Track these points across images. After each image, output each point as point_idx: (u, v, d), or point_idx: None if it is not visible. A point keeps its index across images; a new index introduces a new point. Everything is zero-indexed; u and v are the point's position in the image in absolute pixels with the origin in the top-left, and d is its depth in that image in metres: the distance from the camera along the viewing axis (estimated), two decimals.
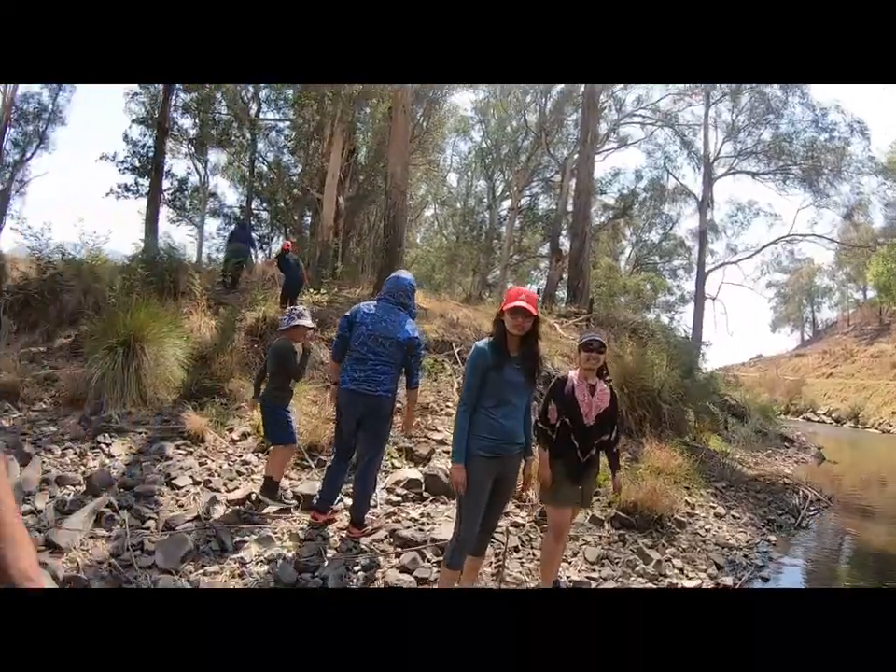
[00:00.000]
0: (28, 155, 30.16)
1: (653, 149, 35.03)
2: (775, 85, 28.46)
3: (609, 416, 4.32)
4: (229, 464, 6.15)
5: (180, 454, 6.13)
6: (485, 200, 38.52)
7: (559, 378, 4.39)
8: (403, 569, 4.49)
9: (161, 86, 21.15)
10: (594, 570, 5.12)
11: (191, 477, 5.66)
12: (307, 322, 5.41)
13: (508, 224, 34.95)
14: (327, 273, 15.23)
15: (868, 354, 44.40)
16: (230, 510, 5.17)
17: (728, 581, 5.44)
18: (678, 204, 38.37)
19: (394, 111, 13.62)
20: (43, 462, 5.63)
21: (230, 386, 7.68)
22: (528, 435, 3.96)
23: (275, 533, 4.90)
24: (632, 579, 5.09)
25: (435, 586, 4.32)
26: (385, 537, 4.99)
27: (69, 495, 5.13)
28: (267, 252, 27.06)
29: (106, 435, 6.27)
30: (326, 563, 4.52)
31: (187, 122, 26.13)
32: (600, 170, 35.89)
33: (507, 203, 36.35)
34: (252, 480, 5.86)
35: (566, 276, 21.94)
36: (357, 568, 4.49)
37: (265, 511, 5.25)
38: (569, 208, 25.14)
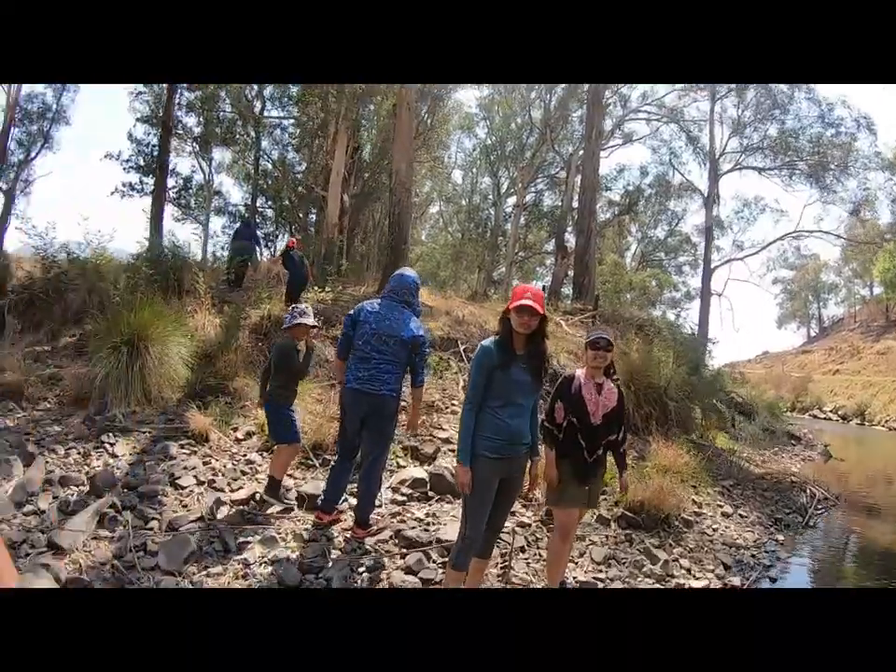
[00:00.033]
0: (33, 155, 30.25)
1: (659, 145, 35.04)
2: None
3: (617, 416, 4.27)
4: (233, 463, 6.12)
5: (184, 453, 6.11)
6: (490, 196, 38.51)
7: (566, 377, 4.34)
8: (408, 570, 4.45)
9: (164, 85, 21.14)
10: (600, 571, 5.07)
11: (195, 477, 5.63)
12: (309, 320, 5.37)
13: (513, 221, 34.91)
14: (331, 271, 15.18)
15: (874, 350, 44.23)
16: (233, 510, 5.15)
17: (736, 581, 5.39)
18: (683, 200, 38.34)
19: (398, 108, 13.57)
20: (47, 462, 5.61)
21: (234, 385, 7.66)
22: (535, 435, 3.91)
23: (279, 534, 4.86)
24: (639, 579, 5.05)
25: (440, 587, 4.29)
26: (390, 537, 4.95)
27: (72, 495, 5.10)
28: (272, 250, 27.09)
29: (110, 434, 6.25)
30: (330, 564, 4.48)
31: (191, 121, 26.26)
32: (605, 166, 35.85)
33: (512, 200, 36.33)
34: (256, 479, 5.83)
35: (571, 273, 21.85)
36: (361, 570, 4.44)
37: (269, 512, 5.23)
38: (574, 205, 25.12)
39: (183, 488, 5.43)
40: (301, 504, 5.42)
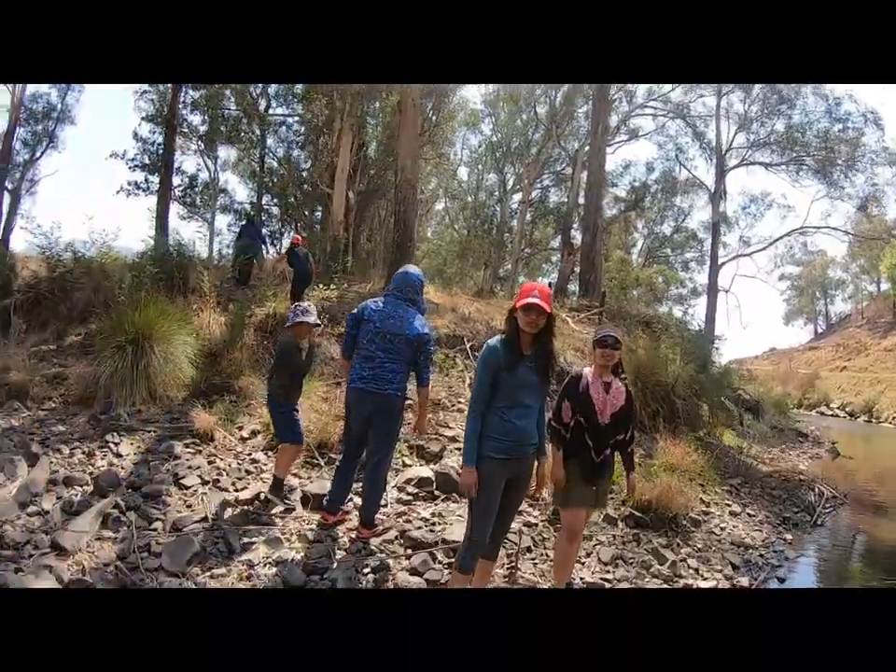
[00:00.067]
0: (38, 154, 30.30)
1: (665, 141, 34.89)
2: None
3: (625, 415, 4.20)
4: (238, 463, 6.09)
5: (189, 452, 6.09)
6: (496, 193, 38.41)
7: (573, 376, 4.28)
8: (413, 572, 4.41)
9: (169, 84, 21.14)
10: (608, 571, 5.02)
11: (200, 476, 5.61)
12: (310, 319, 5.31)
13: (519, 217, 34.83)
14: (336, 268, 15.14)
15: (882, 347, 44.00)
16: (238, 510, 5.11)
17: (744, 581, 5.33)
18: (689, 196, 38.17)
19: (403, 105, 13.51)
20: (51, 462, 5.60)
21: (239, 383, 7.64)
22: (542, 435, 3.85)
23: (284, 534, 4.83)
24: (646, 580, 4.99)
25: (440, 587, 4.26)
26: (396, 537, 4.91)
27: (76, 495, 5.08)
28: (278, 247, 27.05)
29: (115, 434, 6.24)
30: (335, 565, 4.44)
31: (196, 119, 26.17)
32: (611, 162, 35.55)
33: (518, 197, 36.28)
34: (261, 479, 5.79)
35: (577, 270, 21.77)
36: (366, 571, 4.40)
37: (273, 512, 5.19)
38: (581, 201, 24.99)
39: (187, 488, 5.41)
40: (306, 504, 5.38)
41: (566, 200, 31.19)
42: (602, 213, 21.87)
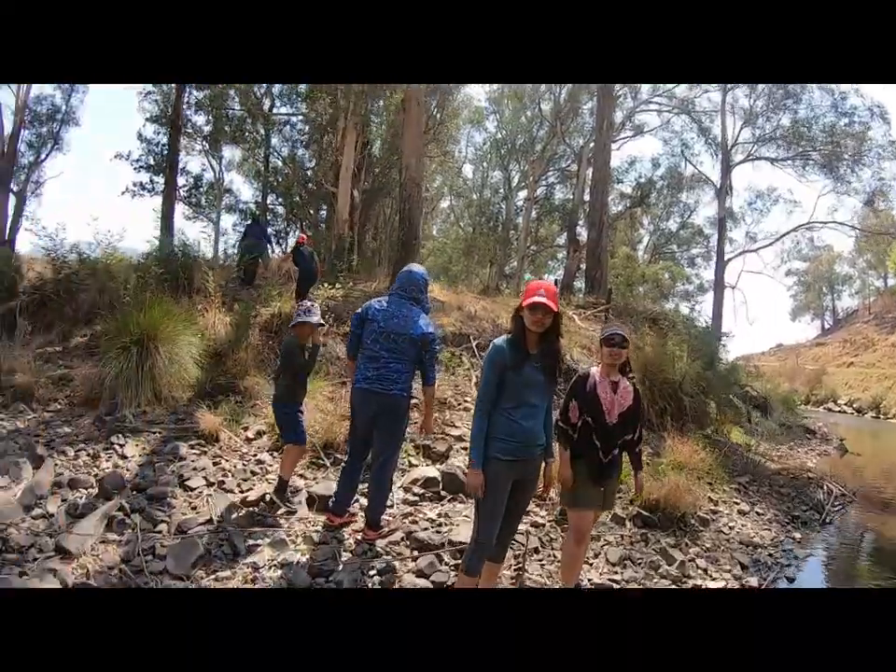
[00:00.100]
0: (43, 157, 30.36)
1: (670, 137, 34.76)
2: None
3: (633, 415, 4.14)
4: (243, 464, 6.07)
5: (194, 453, 6.07)
6: (501, 190, 38.37)
7: (580, 375, 4.23)
8: (420, 574, 4.37)
9: (173, 84, 21.17)
10: (616, 573, 4.97)
11: (205, 478, 5.58)
12: (312, 319, 5.26)
13: (524, 214, 34.79)
14: (342, 267, 15.12)
15: (889, 343, 43.88)
16: (243, 511, 5.09)
17: (753, 581, 5.28)
18: (695, 192, 38.05)
19: (407, 103, 13.49)
20: (56, 464, 5.59)
21: (245, 384, 7.62)
22: (549, 436, 3.81)
23: (289, 536, 4.80)
24: (655, 581, 4.95)
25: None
26: (402, 539, 4.88)
27: (81, 498, 5.07)
28: (283, 246, 27.07)
29: (120, 436, 6.22)
30: (340, 567, 4.41)
31: (200, 119, 26.26)
32: (617, 158, 35.53)
33: (523, 194, 36.22)
34: (266, 480, 5.77)
35: (583, 266, 21.70)
36: (372, 573, 4.36)
37: (279, 513, 5.17)
38: (586, 197, 24.96)
39: (192, 489, 5.38)
40: (312, 505, 5.35)
41: (571, 197, 31.14)
42: (608, 209, 21.78)
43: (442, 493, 5.81)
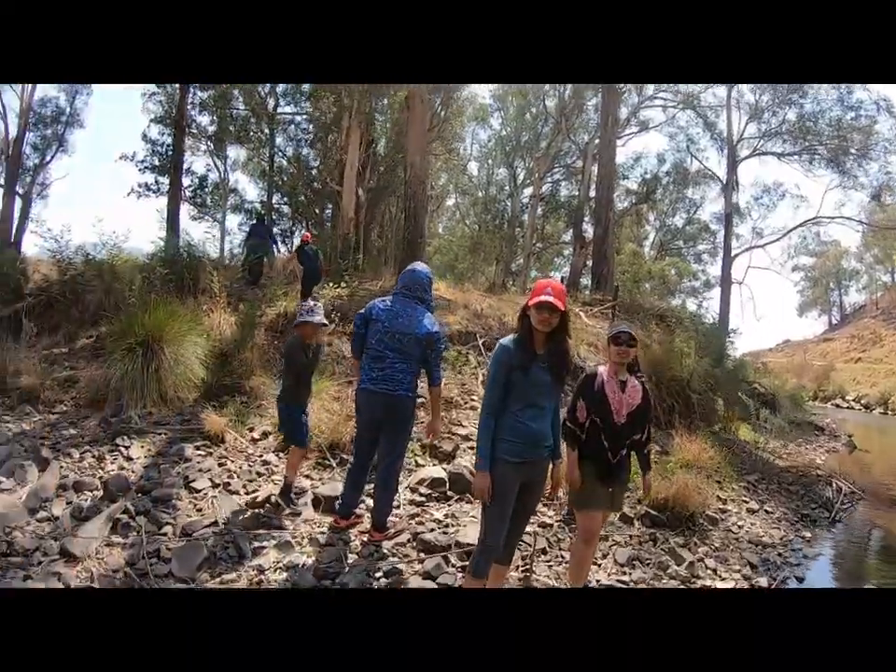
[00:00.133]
0: (48, 159, 30.46)
1: (675, 132, 34.50)
2: None
3: (642, 414, 4.08)
4: (249, 465, 6.05)
5: (199, 455, 6.05)
6: (507, 188, 38.31)
7: (588, 374, 4.17)
8: (427, 576, 4.33)
9: (177, 85, 21.21)
10: (624, 573, 4.93)
11: (210, 479, 5.56)
12: (314, 318, 5.20)
13: (530, 212, 34.70)
14: (346, 266, 15.09)
15: None
16: (248, 513, 5.06)
17: (763, 581, 5.23)
18: (701, 188, 37.78)
19: (411, 101, 13.45)
20: (61, 467, 5.57)
21: (250, 384, 7.61)
22: (557, 437, 3.77)
23: (295, 538, 4.77)
24: (664, 581, 4.90)
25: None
26: (408, 540, 4.84)
27: (86, 500, 5.05)
28: (289, 246, 27.08)
29: (125, 437, 6.21)
30: (346, 569, 4.38)
31: (204, 120, 26.31)
32: (622, 154, 35.41)
33: (528, 191, 36.10)
34: (272, 481, 5.74)
35: (589, 263, 21.65)
36: (378, 575, 4.33)
37: (285, 514, 5.14)
38: (592, 194, 24.86)
39: (198, 491, 5.36)
40: (318, 506, 5.32)
41: (577, 193, 31.05)
42: (613, 206, 21.74)
43: (449, 493, 5.77)
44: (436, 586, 4.23)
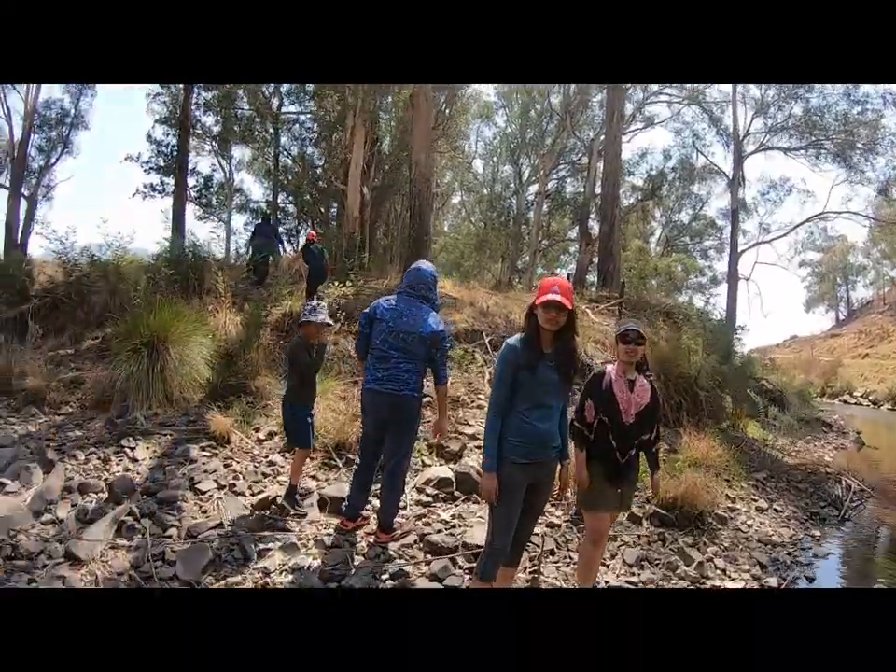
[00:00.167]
0: (53, 160, 30.53)
1: (681, 128, 34.46)
2: None
3: (651, 414, 4.02)
4: (254, 465, 6.02)
5: (205, 455, 6.02)
6: (512, 185, 38.31)
7: (596, 373, 4.11)
8: (433, 578, 4.29)
9: (181, 85, 21.24)
10: (633, 574, 4.88)
11: (216, 481, 5.53)
12: (318, 318, 5.14)
13: (535, 209, 34.71)
14: (352, 264, 15.07)
15: None
16: (253, 515, 5.03)
17: (773, 581, 5.17)
18: (707, 183, 37.79)
19: (416, 99, 13.43)
20: (66, 469, 5.57)
21: (256, 384, 7.58)
22: (565, 437, 3.72)
23: (300, 540, 4.73)
24: (673, 582, 4.85)
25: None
26: (415, 542, 4.79)
27: (91, 503, 5.03)
28: (294, 245, 27.11)
29: (131, 438, 6.19)
30: (352, 571, 4.34)
31: (209, 120, 26.39)
32: (627, 151, 35.20)
33: (534, 188, 36.12)
34: (278, 482, 5.71)
35: (596, 260, 21.59)
36: (384, 577, 4.29)
37: (290, 515, 5.11)
38: (597, 191, 24.82)
39: (203, 493, 5.33)
40: (324, 507, 5.29)
41: (582, 190, 31.03)
42: (619, 202, 21.64)
43: (456, 493, 5.73)
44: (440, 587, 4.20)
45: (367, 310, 4.80)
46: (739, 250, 32.94)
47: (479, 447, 6.27)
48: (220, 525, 4.82)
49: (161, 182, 24.36)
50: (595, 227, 25.28)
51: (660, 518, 5.84)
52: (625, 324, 4.11)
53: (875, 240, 51.93)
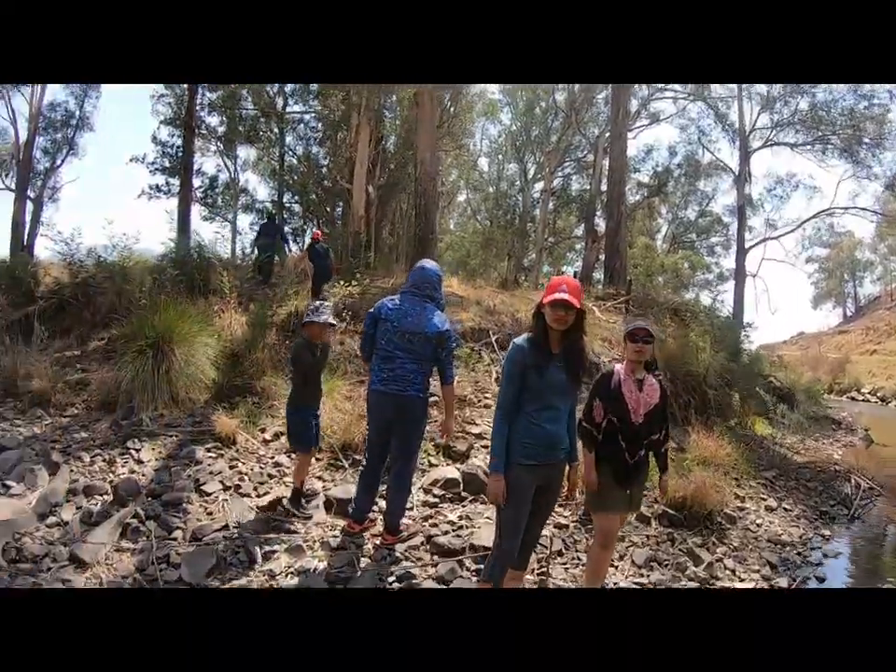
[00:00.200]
0: (58, 162, 30.57)
1: (687, 124, 34.24)
2: None
3: (660, 414, 3.96)
4: (260, 467, 5.99)
5: (210, 457, 5.99)
6: (517, 183, 38.22)
7: (604, 373, 4.06)
8: (440, 580, 4.25)
9: (186, 86, 21.27)
10: (642, 575, 4.83)
11: (221, 482, 5.51)
12: (320, 318, 5.08)
13: (541, 206, 34.63)
14: (358, 263, 15.06)
15: None
16: (259, 517, 5.00)
17: (783, 582, 5.12)
18: (713, 180, 37.56)
19: (420, 98, 13.40)
20: (71, 471, 5.55)
21: (261, 384, 7.56)
22: (573, 438, 3.67)
23: (306, 542, 4.71)
24: (682, 583, 4.80)
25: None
26: (422, 543, 4.75)
27: (96, 505, 5.02)
28: (300, 244, 27.13)
29: (136, 440, 6.17)
30: (359, 573, 4.31)
31: (214, 120, 26.42)
32: (633, 147, 35.15)
33: (539, 186, 36.08)
34: (284, 483, 5.68)
35: (602, 257, 21.51)
36: (391, 579, 4.26)
37: (295, 517, 5.08)
38: (603, 188, 24.72)
39: (208, 494, 5.31)
40: (329, 508, 5.26)
41: (588, 187, 30.95)
42: (625, 199, 21.58)
43: (463, 494, 5.69)
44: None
45: (371, 310, 4.76)
46: (746, 247, 32.80)
47: (486, 447, 6.23)
48: (226, 526, 4.80)
49: (167, 183, 24.47)
50: (601, 224, 25.22)
51: (669, 518, 5.80)
52: (634, 322, 4.06)
53: (882, 235, 51.76)
